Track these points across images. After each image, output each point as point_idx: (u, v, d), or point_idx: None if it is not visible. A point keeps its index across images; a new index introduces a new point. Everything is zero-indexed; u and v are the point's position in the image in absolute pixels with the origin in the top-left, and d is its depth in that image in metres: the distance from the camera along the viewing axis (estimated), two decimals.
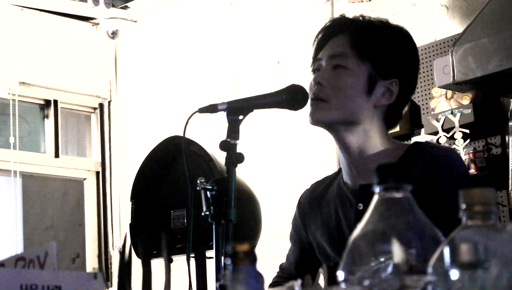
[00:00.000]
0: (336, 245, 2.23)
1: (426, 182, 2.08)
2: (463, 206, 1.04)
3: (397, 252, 1.00)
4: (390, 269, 1.01)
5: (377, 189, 1.09)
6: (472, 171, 4.04)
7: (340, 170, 2.34)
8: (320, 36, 2.32)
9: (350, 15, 2.34)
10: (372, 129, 2.22)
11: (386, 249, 1.02)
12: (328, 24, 2.33)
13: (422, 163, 2.13)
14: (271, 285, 2.46)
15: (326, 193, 2.34)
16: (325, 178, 2.43)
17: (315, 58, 2.30)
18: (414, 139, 4.37)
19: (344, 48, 2.23)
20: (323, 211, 2.32)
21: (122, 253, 1.41)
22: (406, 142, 3.98)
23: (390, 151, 2.22)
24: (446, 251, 0.94)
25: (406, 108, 2.34)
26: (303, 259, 2.42)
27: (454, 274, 0.92)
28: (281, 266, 2.51)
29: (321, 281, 2.10)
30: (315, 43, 2.32)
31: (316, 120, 2.22)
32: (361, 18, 2.30)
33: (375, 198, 1.09)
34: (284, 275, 2.47)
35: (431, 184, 2.08)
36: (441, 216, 1.98)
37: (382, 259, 1.02)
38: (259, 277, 1.04)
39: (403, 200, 1.07)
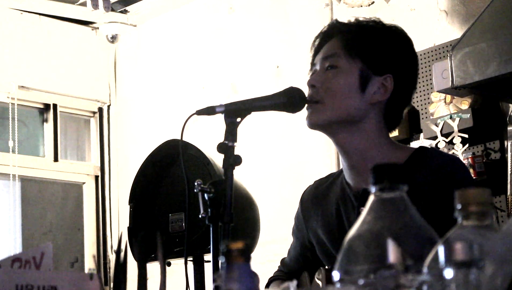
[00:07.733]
0: (337, 244, 2.23)
1: (429, 190, 2.07)
2: (459, 206, 1.04)
3: (393, 252, 1.00)
4: (385, 269, 1.01)
5: (372, 189, 1.09)
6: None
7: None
8: (316, 42, 2.34)
9: (348, 19, 2.35)
10: (371, 128, 2.21)
11: (381, 249, 1.02)
12: (323, 29, 2.34)
13: (428, 170, 2.12)
14: (271, 279, 2.48)
15: (329, 191, 2.34)
16: (329, 175, 2.43)
17: (312, 64, 2.32)
18: (413, 144, 4.36)
19: (335, 49, 2.24)
20: (325, 209, 2.31)
21: (117, 255, 1.41)
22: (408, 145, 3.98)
23: (393, 153, 2.21)
24: (441, 251, 0.94)
25: (406, 110, 2.32)
26: (303, 255, 2.43)
27: (449, 273, 0.92)
28: (283, 261, 2.53)
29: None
30: (312, 49, 2.34)
31: (312, 122, 2.22)
32: (353, 20, 2.31)
33: (371, 198, 1.09)
34: (284, 269, 2.49)
35: (435, 193, 2.07)
36: (442, 224, 2.01)
37: (377, 259, 1.02)
38: (253, 275, 1.03)
39: (398, 200, 1.07)
